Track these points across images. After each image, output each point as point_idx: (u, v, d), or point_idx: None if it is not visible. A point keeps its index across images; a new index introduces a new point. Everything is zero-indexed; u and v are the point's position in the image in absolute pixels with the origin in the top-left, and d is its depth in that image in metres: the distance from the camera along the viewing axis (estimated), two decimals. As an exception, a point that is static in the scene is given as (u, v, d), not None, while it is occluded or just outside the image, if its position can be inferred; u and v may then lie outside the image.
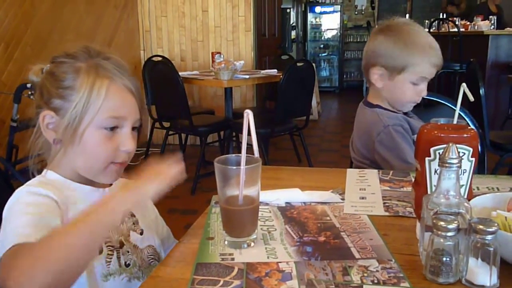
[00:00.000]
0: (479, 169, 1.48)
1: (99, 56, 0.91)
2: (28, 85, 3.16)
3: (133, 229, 0.96)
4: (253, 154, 0.81)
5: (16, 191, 0.85)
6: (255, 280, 0.70)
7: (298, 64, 3.57)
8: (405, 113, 1.50)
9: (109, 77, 0.88)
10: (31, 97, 3.09)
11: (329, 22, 9.64)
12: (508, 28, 5.31)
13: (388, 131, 1.38)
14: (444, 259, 0.67)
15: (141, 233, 0.97)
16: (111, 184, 0.98)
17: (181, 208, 3.04)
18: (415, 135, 1.39)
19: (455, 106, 0.86)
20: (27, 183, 0.90)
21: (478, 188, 1.07)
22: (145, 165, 0.78)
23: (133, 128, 0.92)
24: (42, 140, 0.92)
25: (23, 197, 0.83)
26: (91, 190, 0.93)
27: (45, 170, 0.93)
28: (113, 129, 0.88)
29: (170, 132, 3.94)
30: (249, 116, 0.79)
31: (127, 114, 0.90)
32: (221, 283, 0.69)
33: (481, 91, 2.51)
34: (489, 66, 4.89)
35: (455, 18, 5.68)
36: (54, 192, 0.85)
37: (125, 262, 0.91)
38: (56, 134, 0.89)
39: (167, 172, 0.77)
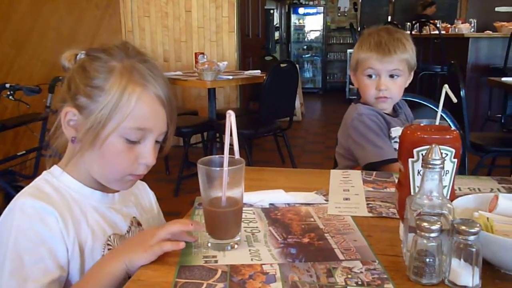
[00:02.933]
0: (460, 170, 1.51)
1: (136, 57, 0.86)
2: (7, 85, 3.09)
3: None
4: (234, 155, 0.80)
5: (15, 201, 0.81)
6: (239, 283, 0.69)
7: (282, 65, 3.57)
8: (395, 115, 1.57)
9: (142, 84, 0.83)
10: (10, 97, 3.02)
11: (312, 24, 9.69)
12: (487, 31, 5.41)
13: (361, 118, 1.50)
14: (428, 260, 0.67)
15: None
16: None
17: (164, 210, 3.01)
18: (393, 132, 1.49)
19: (436, 107, 0.86)
20: (33, 185, 0.86)
21: (459, 189, 1.08)
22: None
23: (157, 141, 0.88)
24: (61, 136, 0.88)
25: (21, 223, 0.79)
26: (101, 196, 0.91)
27: (56, 168, 0.89)
28: (135, 142, 0.85)
29: (153, 133, 3.90)
30: (231, 117, 0.78)
31: (153, 127, 0.85)
32: (204, 286, 0.68)
33: (462, 93, 2.54)
34: (469, 68, 4.96)
35: (436, 21, 5.74)
36: (57, 204, 0.82)
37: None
38: (76, 133, 0.85)
39: (160, 245, 0.77)
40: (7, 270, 0.77)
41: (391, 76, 1.48)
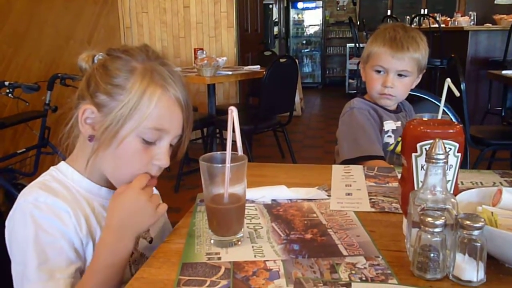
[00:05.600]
0: (462, 163, 1.51)
1: (156, 60, 0.86)
2: (6, 83, 3.08)
3: (143, 236, 0.92)
4: (236, 150, 0.79)
5: (26, 196, 0.81)
6: (242, 280, 0.69)
7: (281, 60, 3.56)
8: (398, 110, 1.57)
9: (162, 86, 0.83)
10: (9, 95, 3.01)
11: (311, 18, 9.67)
12: (487, 24, 5.39)
13: (352, 112, 1.51)
14: (432, 255, 0.67)
15: (151, 241, 0.94)
16: None
17: (165, 206, 3.02)
18: (386, 125, 1.49)
19: (437, 100, 0.86)
20: (40, 180, 0.86)
21: (462, 183, 1.08)
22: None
23: (170, 144, 0.87)
24: (75, 133, 0.88)
25: (37, 218, 0.79)
26: (108, 192, 0.91)
27: (63, 164, 0.89)
28: (151, 143, 0.84)
29: (153, 130, 3.90)
30: (233, 113, 0.78)
31: (170, 128, 0.85)
32: (207, 283, 0.68)
33: (462, 86, 2.53)
34: (469, 61, 4.96)
35: (435, 14, 5.73)
36: (67, 200, 0.83)
37: (135, 272, 0.89)
38: (93, 131, 0.84)
39: (163, 209, 0.84)
40: (33, 264, 0.77)
41: (399, 75, 1.47)
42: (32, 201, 0.81)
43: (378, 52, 1.48)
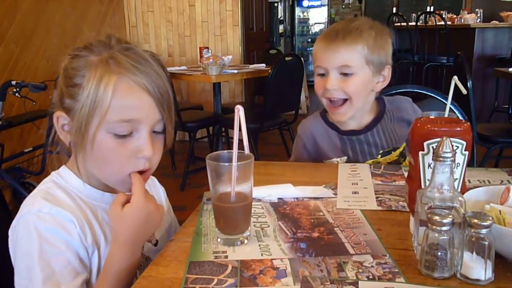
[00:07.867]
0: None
1: (117, 46, 0.80)
2: (13, 82, 3.09)
3: (148, 239, 0.91)
4: (243, 149, 0.79)
5: (29, 207, 0.79)
6: (249, 278, 0.69)
7: (287, 58, 3.55)
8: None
9: (118, 73, 0.77)
10: (16, 94, 3.02)
11: (316, 16, 9.66)
12: (494, 21, 5.36)
13: (296, 135, 1.42)
14: (439, 253, 0.67)
15: (156, 244, 0.93)
16: None
17: (171, 205, 3.02)
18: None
19: (444, 98, 0.85)
20: (42, 188, 0.83)
21: (469, 181, 1.07)
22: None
23: (155, 131, 0.82)
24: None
25: (41, 230, 0.77)
26: (111, 197, 0.86)
27: (65, 168, 0.87)
28: (125, 136, 0.78)
29: (159, 128, 3.91)
30: (240, 112, 0.78)
31: (141, 116, 0.78)
32: (215, 281, 0.68)
33: (469, 84, 2.52)
34: (476, 59, 4.93)
35: (442, 12, 5.70)
36: (71, 209, 0.81)
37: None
38: (71, 137, 0.81)
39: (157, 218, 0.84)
40: (39, 279, 0.75)
41: (344, 74, 1.21)
42: (36, 212, 0.78)
43: (314, 51, 1.27)
